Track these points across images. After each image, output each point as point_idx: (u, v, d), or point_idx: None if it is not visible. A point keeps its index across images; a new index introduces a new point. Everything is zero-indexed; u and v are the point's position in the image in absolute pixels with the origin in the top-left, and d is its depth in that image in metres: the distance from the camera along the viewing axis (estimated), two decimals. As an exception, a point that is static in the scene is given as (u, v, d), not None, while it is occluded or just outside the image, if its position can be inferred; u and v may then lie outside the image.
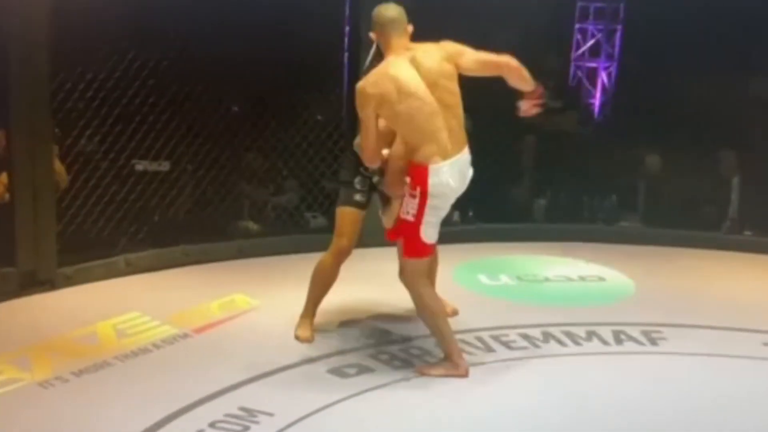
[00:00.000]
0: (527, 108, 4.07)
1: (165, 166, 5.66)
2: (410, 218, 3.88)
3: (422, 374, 3.99)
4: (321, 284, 4.36)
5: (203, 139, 5.78)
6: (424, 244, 3.94)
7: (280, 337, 4.35)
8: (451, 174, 3.85)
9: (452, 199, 3.97)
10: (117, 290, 5.01)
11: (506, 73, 3.98)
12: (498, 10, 7.04)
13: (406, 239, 3.94)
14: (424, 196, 3.83)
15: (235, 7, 5.64)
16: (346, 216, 4.28)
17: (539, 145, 7.20)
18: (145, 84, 5.41)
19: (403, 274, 4.04)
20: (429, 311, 4.01)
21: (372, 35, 4.03)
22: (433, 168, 3.81)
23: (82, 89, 5.17)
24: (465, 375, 3.96)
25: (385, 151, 4.01)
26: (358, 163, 4.21)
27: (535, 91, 4.02)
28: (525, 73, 3.97)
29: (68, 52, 4.89)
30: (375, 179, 4.25)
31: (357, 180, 4.28)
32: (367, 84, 3.85)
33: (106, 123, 5.31)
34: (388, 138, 4.04)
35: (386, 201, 4.15)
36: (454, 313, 4.66)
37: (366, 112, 3.83)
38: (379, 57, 4.06)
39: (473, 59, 3.97)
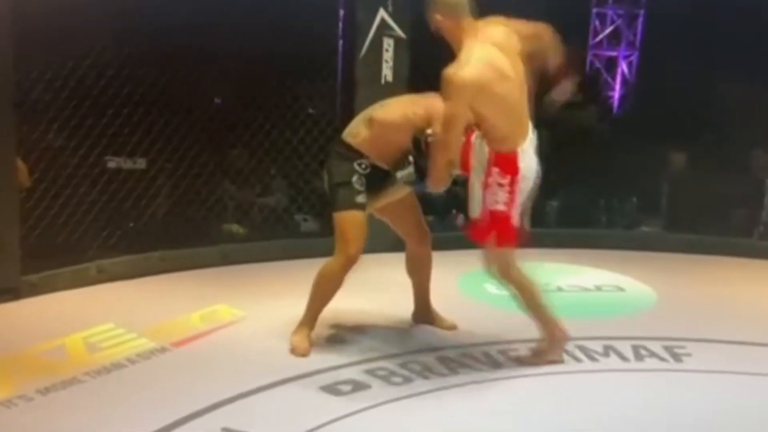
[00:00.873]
0: (561, 92, 4.11)
1: (141, 163, 5.68)
2: (502, 207, 4.11)
3: (532, 364, 4.27)
4: (325, 294, 4.38)
5: (183, 134, 5.79)
6: (515, 230, 4.18)
7: (267, 351, 4.35)
8: (531, 155, 4.12)
9: (531, 181, 4.20)
10: (88, 300, 5.01)
11: (544, 41, 4.14)
12: None
13: (500, 230, 4.15)
14: (515, 181, 4.06)
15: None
16: (350, 221, 4.27)
17: (551, 141, 7.20)
18: (120, 73, 5.43)
19: (498, 268, 4.24)
20: (533, 298, 4.28)
21: (438, 17, 4.04)
22: (521, 152, 4.05)
23: (49, 79, 5.18)
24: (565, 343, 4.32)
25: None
26: (352, 157, 4.24)
27: (566, 70, 4.09)
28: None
29: (35, 38, 4.90)
30: (399, 176, 4.28)
31: (355, 179, 4.28)
32: (464, 72, 3.87)
33: (75, 115, 5.31)
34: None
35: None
36: (452, 327, 4.73)
37: (459, 104, 3.89)
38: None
39: (525, 33, 4.11)
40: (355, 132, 4.34)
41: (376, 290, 5.15)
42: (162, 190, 5.80)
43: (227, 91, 6.48)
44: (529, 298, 4.29)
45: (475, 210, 4.24)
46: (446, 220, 6.75)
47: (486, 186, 4.11)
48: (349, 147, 4.31)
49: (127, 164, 5.64)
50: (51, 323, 4.60)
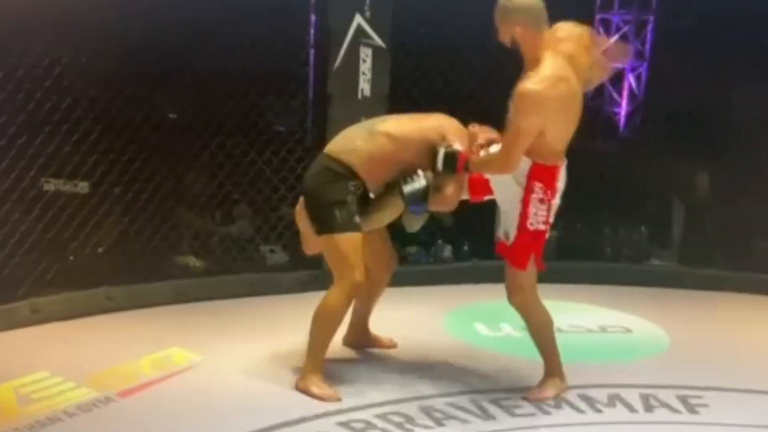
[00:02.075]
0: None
1: (83, 187, 5.64)
2: (542, 226, 4.39)
3: (536, 400, 4.43)
4: (330, 330, 4.43)
5: (132, 154, 5.77)
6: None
7: (226, 402, 4.32)
8: (563, 173, 4.44)
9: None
10: (20, 344, 4.96)
11: (600, 72, 4.65)
12: None
13: (537, 252, 4.42)
14: (553, 197, 4.38)
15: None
16: (352, 243, 4.35)
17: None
18: (59, 85, 5.39)
19: (522, 293, 4.44)
20: (544, 328, 4.54)
21: (519, 30, 4.19)
22: (563, 168, 4.38)
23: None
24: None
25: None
26: (346, 176, 4.32)
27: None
28: None
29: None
30: (408, 190, 4.37)
31: (350, 199, 4.35)
32: (546, 88, 4.11)
33: (5, 134, 5.27)
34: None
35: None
36: (393, 345, 4.96)
37: (535, 120, 4.13)
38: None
39: (590, 56, 4.43)
40: (351, 148, 4.39)
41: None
42: (108, 217, 5.75)
43: (183, 106, 6.46)
44: (543, 333, 4.55)
45: (509, 231, 4.41)
46: (432, 251, 6.74)
47: (527, 203, 4.33)
48: (341, 164, 4.36)
49: (66, 187, 5.59)
50: (-23, 371, 4.55)
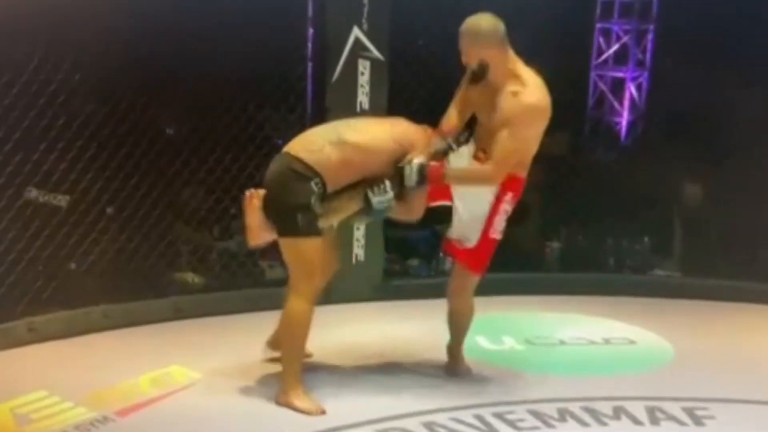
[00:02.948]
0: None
1: (64, 201, 5.59)
2: (499, 236, 4.63)
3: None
4: (300, 340, 4.46)
5: (129, 169, 5.75)
6: None
7: (227, 420, 4.31)
8: None
9: None
10: (17, 363, 4.95)
11: None
12: (499, 5, 7.02)
13: (488, 257, 4.68)
14: (513, 207, 4.62)
15: (169, 8, 5.62)
16: (314, 248, 4.36)
17: (550, 175, 7.22)
18: (53, 101, 5.38)
19: (465, 295, 4.76)
20: (469, 317, 4.85)
21: (493, 53, 4.43)
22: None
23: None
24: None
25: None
26: (309, 176, 4.29)
27: None
28: None
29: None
30: (377, 201, 4.44)
31: (313, 200, 4.33)
32: (543, 99, 4.41)
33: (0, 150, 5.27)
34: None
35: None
36: (310, 355, 4.92)
37: (538, 131, 4.45)
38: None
39: None
40: (316, 149, 4.36)
41: (350, 342, 5.13)
42: (104, 234, 5.73)
43: (180, 120, 6.45)
44: (468, 320, 4.86)
45: (469, 236, 4.60)
46: (432, 265, 6.73)
47: (495, 213, 4.55)
48: (303, 163, 4.33)
49: (58, 201, 5.56)
50: (-27, 391, 4.53)
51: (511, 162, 4.42)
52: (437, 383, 4.82)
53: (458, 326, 4.90)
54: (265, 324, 4.98)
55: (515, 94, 4.36)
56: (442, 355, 5.01)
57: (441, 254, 6.70)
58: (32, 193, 5.49)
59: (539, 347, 5.48)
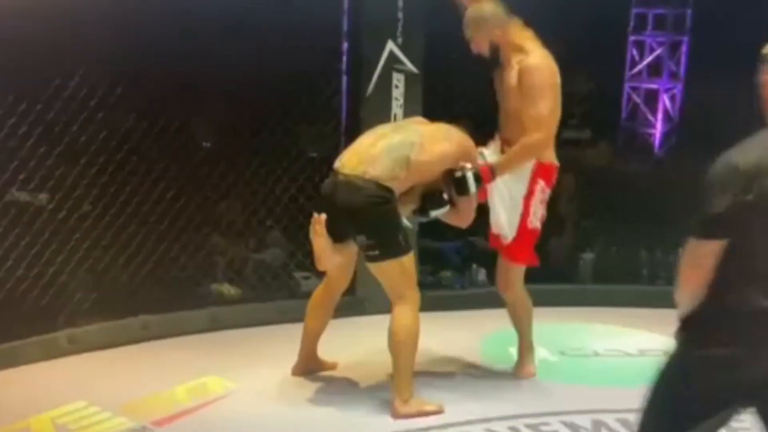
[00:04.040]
0: None
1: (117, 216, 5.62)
2: (539, 224, 4.72)
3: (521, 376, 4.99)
4: (414, 350, 4.53)
5: (167, 182, 5.79)
6: None
7: (263, 429, 4.32)
8: None
9: None
10: (57, 374, 4.99)
11: None
12: (532, 18, 7.02)
13: (530, 247, 4.79)
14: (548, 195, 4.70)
15: (207, 23, 5.67)
16: (411, 261, 4.56)
17: (584, 186, 7.20)
18: (94, 116, 5.44)
19: (515, 286, 4.87)
20: (528, 310, 4.96)
21: (498, 33, 4.59)
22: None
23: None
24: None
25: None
26: (390, 198, 4.42)
27: None
28: None
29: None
30: (434, 215, 4.66)
31: (402, 219, 4.54)
32: (546, 60, 4.56)
33: (43, 165, 5.32)
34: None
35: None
36: (334, 366, 5.04)
37: (551, 91, 4.53)
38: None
39: None
40: (394, 175, 4.46)
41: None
42: (143, 246, 5.77)
43: (217, 134, 6.50)
44: (526, 314, 4.97)
45: (509, 229, 4.68)
46: (466, 276, 6.71)
47: (529, 203, 4.62)
48: (387, 189, 4.44)
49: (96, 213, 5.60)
50: (14, 402, 4.58)
51: (544, 122, 4.52)
52: (470, 394, 4.82)
53: (519, 319, 4.99)
54: (299, 335, 5.00)
55: (519, 62, 4.55)
56: (476, 367, 5.00)
57: (474, 266, 6.71)
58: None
59: (573, 358, 5.44)
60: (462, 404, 4.65)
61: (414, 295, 4.51)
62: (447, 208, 4.61)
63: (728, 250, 2.79)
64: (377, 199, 4.41)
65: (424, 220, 4.89)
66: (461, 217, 4.72)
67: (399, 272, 4.49)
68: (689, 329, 2.92)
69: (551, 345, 5.58)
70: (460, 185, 4.52)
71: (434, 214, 4.64)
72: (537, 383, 5.01)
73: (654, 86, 8.83)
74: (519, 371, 5.05)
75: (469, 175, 4.52)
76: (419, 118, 4.94)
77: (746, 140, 2.92)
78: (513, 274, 4.86)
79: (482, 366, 5.25)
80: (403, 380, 4.48)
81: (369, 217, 4.44)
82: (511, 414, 4.54)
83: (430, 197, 4.60)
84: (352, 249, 4.65)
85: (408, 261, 4.50)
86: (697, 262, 2.85)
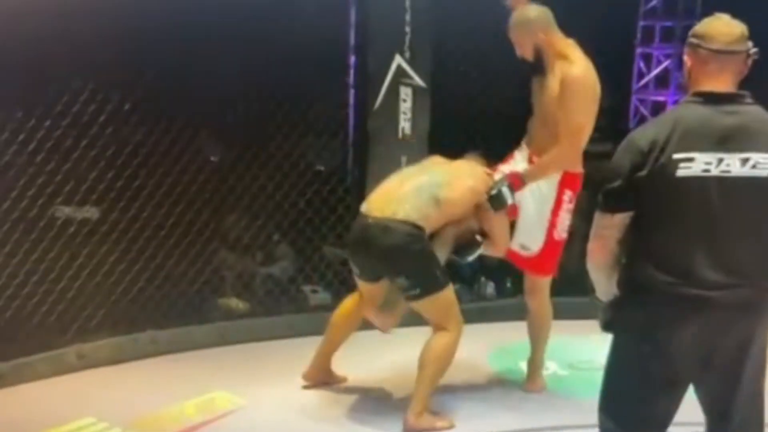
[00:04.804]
0: None
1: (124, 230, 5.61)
2: (565, 236, 4.75)
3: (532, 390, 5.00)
4: (442, 373, 4.56)
5: (176, 197, 5.79)
6: None
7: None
8: None
9: None
10: (65, 390, 4.98)
11: None
12: None
13: (556, 258, 4.82)
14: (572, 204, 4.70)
15: (215, 37, 5.67)
16: (452, 291, 4.60)
17: (593, 199, 7.17)
18: (103, 130, 5.45)
19: (541, 295, 4.88)
20: (547, 322, 4.96)
21: (541, 36, 4.58)
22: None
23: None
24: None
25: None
26: (423, 236, 4.46)
27: None
28: None
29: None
30: (470, 260, 4.89)
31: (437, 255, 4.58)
32: (588, 72, 4.56)
33: (53, 180, 5.32)
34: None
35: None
36: (344, 379, 5.04)
37: (587, 104, 4.53)
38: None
39: None
40: (424, 215, 4.50)
41: (394, 366, 5.12)
42: (151, 261, 5.77)
43: (225, 148, 6.49)
44: (547, 326, 4.97)
45: (530, 242, 4.71)
46: (474, 289, 6.70)
47: (556, 213, 4.65)
48: (419, 228, 4.48)
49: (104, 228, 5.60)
50: (23, 418, 4.56)
51: (578, 135, 4.54)
52: (479, 408, 4.80)
53: (538, 329, 4.97)
54: (308, 349, 4.99)
55: (563, 70, 4.52)
56: (485, 380, 4.99)
57: (483, 279, 6.69)
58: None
59: (583, 371, 5.41)
60: (471, 419, 4.65)
61: (458, 326, 4.54)
62: (478, 251, 4.71)
63: (632, 225, 2.93)
64: (410, 238, 4.44)
65: (462, 262, 4.98)
66: (495, 245, 4.73)
67: (440, 306, 4.52)
68: (614, 315, 3.02)
69: (561, 358, 5.56)
70: (497, 200, 4.56)
71: (469, 260, 4.81)
72: (546, 397, 5.00)
73: (661, 98, 8.80)
74: (529, 386, 5.03)
75: (504, 190, 4.56)
76: (438, 158, 4.90)
77: (651, 119, 3.09)
78: (540, 283, 4.89)
79: (491, 379, 5.25)
80: (422, 393, 4.48)
81: (404, 258, 4.47)
82: (519, 428, 4.54)
83: (464, 246, 4.70)
84: (386, 284, 4.69)
85: (449, 293, 4.54)
86: (600, 233, 2.98)
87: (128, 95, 5.55)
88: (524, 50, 4.63)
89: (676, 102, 8.80)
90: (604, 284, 3.03)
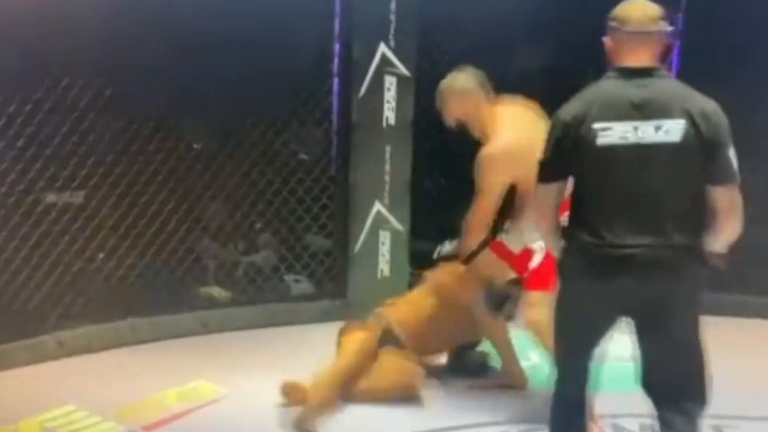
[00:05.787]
0: None
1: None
2: None
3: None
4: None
5: (157, 186, 5.76)
6: None
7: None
8: None
9: None
10: (45, 378, 4.98)
11: None
12: (513, 26, 6.91)
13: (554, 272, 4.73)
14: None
15: (197, 24, 5.63)
16: None
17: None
18: (84, 118, 5.41)
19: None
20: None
21: (467, 109, 4.61)
22: None
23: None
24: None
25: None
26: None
27: None
28: None
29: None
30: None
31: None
32: (496, 148, 4.44)
33: (32, 167, 5.29)
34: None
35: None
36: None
37: (495, 177, 4.46)
38: None
39: None
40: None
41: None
42: (132, 249, 5.73)
43: (208, 136, 6.46)
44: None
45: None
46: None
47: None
48: None
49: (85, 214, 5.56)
50: (2, 406, 4.56)
51: (478, 215, 4.53)
52: (461, 400, 4.80)
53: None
54: (290, 338, 5.00)
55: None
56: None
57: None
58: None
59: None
60: (453, 410, 4.67)
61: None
62: (511, 296, 4.77)
63: (571, 194, 3.33)
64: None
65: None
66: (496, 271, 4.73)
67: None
68: (559, 265, 3.45)
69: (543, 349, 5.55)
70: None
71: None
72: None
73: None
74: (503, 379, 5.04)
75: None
76: None
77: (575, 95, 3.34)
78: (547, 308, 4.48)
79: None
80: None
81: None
82: (502, 419, 4.56)
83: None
84: None
85: None
86: (538, 203, 3.43)
87: (108, 83, 5.51)
88: (450, 116, 4.65)
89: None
90: (551, 243, 3.48)
